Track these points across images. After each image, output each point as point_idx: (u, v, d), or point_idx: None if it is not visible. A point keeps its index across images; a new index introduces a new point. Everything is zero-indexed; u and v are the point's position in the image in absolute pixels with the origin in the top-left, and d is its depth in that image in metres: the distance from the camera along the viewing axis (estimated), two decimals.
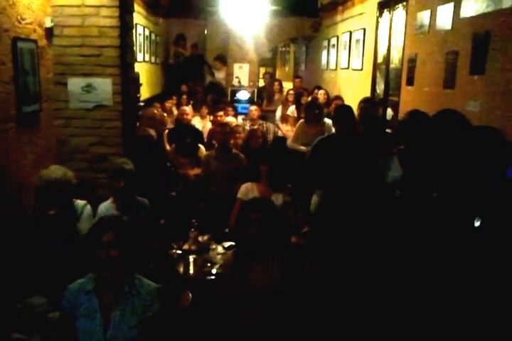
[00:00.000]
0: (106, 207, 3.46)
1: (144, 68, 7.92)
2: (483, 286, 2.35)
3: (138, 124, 4.98)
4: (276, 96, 8.97)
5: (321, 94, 7.57)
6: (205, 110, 7.29)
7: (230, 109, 7.17)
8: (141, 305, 2.23)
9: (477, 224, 2.37)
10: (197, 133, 6.11)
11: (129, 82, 4.33)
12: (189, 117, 6.54)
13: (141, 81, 7.12)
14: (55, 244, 2.94)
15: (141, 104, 6.71)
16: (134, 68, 4.64)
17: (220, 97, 8.28)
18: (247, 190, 3.83)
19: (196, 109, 7.41)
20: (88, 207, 3.24)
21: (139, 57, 7.53)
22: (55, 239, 2.96)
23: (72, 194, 3.12)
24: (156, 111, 5.73)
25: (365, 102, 5.10)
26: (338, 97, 6.91)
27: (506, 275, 2.32)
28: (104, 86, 4.12)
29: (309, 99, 7.25)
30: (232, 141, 5.23)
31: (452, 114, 3.17)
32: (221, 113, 6.76)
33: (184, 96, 8.24)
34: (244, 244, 2.62)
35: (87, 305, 2.22)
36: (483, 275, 2.35)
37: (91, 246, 2.22)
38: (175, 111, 7.35)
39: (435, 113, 3.22)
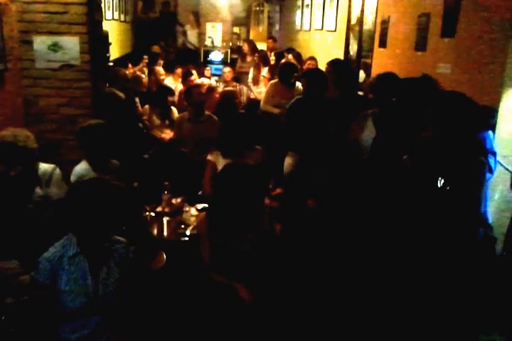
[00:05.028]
0: (82, 169, 3.39)
1: (113, 26, 7.67)
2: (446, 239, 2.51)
3: (107, 85, 4.87)
4: (249, 58, 8.82)
5: (291, 59, 7.31)
6: (179, 70, 7.15)
7: (193, 71, 7.07)
8: (119, 257, 2.33)
9: (440, 184, 2.51)
10: (171, 94, 6.01)
11: (97, 40, 4.20)
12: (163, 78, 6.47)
13: (110, 40, 6.91)
14: (16, 208, 2.90)
15: (111, 64, 6.54)
16: (102, 26, 4.49)
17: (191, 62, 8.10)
18: (217, 153, 3.80)
19: (168, 70, 7.26)
20: (57, 171, 3.12)
21: (108, 14, 7.28)
22: (16, 202, 2.92)
23: (31, 157, 2.95)
24: (128, 72, 5.60)
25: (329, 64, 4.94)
26: (312, 58, 6.74)
27: (466, 230, 2.49)
28: (72, 45, 4.00)
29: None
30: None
31: (424, 79, 3.21)
32: (193, 76, 6.69)
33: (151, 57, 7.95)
34: (220, 208, 2.63)
35: (74, 269, 2.25)
36: (446, 229, 2.50)
37: (73, 210, 2.21)
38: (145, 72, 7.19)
39: (407, 78, 3.25)
